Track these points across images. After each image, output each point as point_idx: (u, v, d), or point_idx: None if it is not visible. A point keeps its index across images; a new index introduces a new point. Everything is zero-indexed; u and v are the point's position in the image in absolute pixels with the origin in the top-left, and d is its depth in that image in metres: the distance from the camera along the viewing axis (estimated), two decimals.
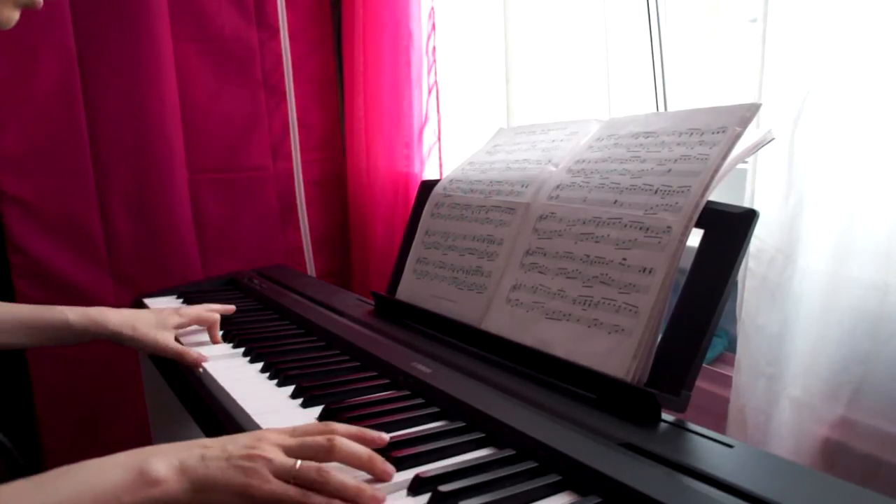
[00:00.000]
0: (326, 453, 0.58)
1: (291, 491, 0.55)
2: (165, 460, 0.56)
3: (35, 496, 0.52)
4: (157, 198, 1.54)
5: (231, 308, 1.10)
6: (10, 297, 1.44)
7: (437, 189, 1.10)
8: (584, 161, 0.89)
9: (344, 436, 0.60)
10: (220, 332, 1.05)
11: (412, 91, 1.47)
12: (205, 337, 1.05)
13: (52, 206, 1.45)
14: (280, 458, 0.57)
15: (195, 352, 0.93)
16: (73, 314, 0.96)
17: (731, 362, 0.90)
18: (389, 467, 0.59)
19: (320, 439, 0.59)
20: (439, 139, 1.49)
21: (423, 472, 0.57)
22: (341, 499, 0.55)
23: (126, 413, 1.54)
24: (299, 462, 0.56)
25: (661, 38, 1.36)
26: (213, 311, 1.06)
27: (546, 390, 0.74)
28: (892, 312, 0.73)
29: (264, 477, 0.55)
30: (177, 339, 1.00)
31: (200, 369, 0.91)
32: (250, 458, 0.56)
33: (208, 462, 0.56)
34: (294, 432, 0.61)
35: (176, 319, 1.01)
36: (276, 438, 0.59)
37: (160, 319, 0.99)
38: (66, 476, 0.54)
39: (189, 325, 1.03)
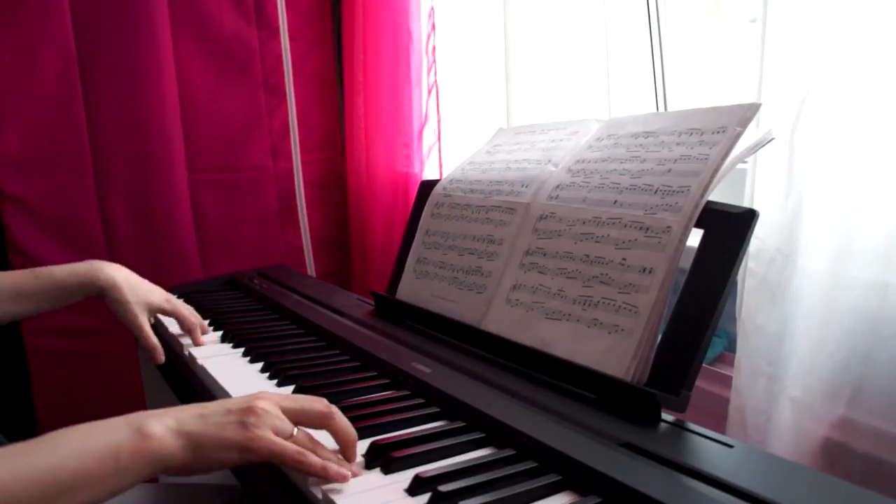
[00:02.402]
0: (324, 418, 0.60)
1: (289, 447, 0.57)
2: (162, 420, 0.57)
3: (32, 456, 0.53)
4: (157, 198, 1.54)
5: (202, 341, 1.02)
6: None
7: (437, 189, 1.10)
8: (584, 161, 0.89)
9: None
10: (220, 333, 1.05)
11: (412, 91, 1.47)
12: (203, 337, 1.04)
13: (52, 206, 1.45)
14: (280, 416, 0.59)
15: (160, 348, 0.96)
16: (61, 270, 0.96)
17: (731, 362, 0.90)
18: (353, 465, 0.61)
19: (319, 405, 0.61)
20: (439, 139, 1.49)
21: (422, 472, 0.57)
22: (330, 459, 0.58)
23: (126, 413, 1.54)
24: (296, 429, 0.59)
25: (661, 38, 1.36)
26: (195, 314, 1.05)
27: (546, 390, 0.74)
28: (892, 312, 0.73)
29: (264, 431, 0.57)
30: (172, 337, 1.02)
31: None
32: (251, 411, 0.57)
33: (207, 419, 0.57)
34: (289, 397, 0.62)
35: (163, 304, 1.01)
36: (275, 398, 0.61)
37: (150, 294, 1.00)
38: (61, 437, 0.55)
39: (171, 315, 1.03)
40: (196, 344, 1.01)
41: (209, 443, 0.56)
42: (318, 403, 0.61)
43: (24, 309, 0.96)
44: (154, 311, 1.02)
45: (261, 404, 0.58)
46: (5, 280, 0.95)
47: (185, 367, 0.97)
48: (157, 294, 1.02)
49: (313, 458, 0.57)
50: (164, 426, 0.56)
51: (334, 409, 0.61)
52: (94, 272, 0.97)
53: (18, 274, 0.97)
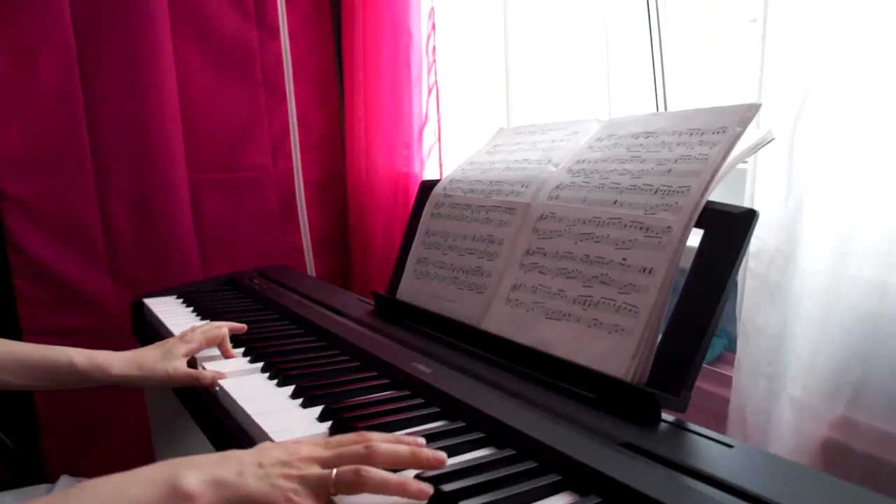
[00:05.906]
0: (364, 459, 0.56)
1: None
2: (198, 474, 0.53)
3: None
4: (157, 198, 1.54)
5: (243, 327, 1.02)
6: (10, 297, 1.44)
7: (437, 189, 1.10)
8: (584, 161, 0.89)
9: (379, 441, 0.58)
10: None
11: (412, 91, 1.47)
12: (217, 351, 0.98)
13: (52, 206, 1.45)
14: (316, 471, 0.55)
15: (209, 372, 0.88)
16: (79, 357, 0.91)
17: (731, 362, 0.90)
18: (439, 454, 0.58)
19: (357, 447, 0.57)
20: (439, 139, 1.49)
21: (423, 472, 0.57)
22: (386, 494, 0.54)
23: (126, 412, 1.54)
24: (335, 471, 0.54)
25: (661, 38, 1.36)
26: (219, 327, 0.98)
27: (546, 390, 0.74)
28: (892, 312, 0.73)
29: (302, 497, 0.53)
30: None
31: (217, 388, 0.85)
32: (287, 477, 0.54)
33: (246, 478, 0.53)
34: (328, 444, 0.59)
35: (183, 348, 0.93)
36: (310, 452, 0.57)
37: (166, 351, 0.92)
38: (88, 493, 0.51)
39: (199, 350, 0.95)
40: (225, 355, 0.95)
41: (247, 503, 0.53)
42: (356, 446, 0.57)
43: (29, 384, 0.92)
44: (184, 357, 0.93)
45: (297, 468, 0.54)
46: (13, 350, 0.91)
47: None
48: (170, 346, 0.94)
49: None
50: (200, 481, 0.52)
51: (374, 447, 0.57)
52: (107, 367, 0.91)
53: (30, 347, 0.92)
